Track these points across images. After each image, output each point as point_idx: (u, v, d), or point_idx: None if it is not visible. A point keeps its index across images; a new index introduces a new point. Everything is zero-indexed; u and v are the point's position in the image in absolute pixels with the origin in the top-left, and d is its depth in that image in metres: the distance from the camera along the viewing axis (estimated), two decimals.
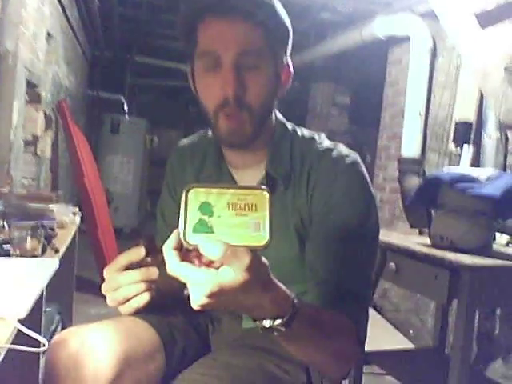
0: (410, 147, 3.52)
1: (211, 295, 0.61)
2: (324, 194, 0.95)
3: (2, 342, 0.80)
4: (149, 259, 0.85)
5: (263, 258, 0.65)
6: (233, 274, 0.61)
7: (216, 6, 0.89)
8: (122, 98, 7.16)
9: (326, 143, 1.02)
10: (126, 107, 7.17)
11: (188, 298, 1.16)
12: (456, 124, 3.03)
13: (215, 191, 0.63)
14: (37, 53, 2.92)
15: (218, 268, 0.63)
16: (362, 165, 0.98)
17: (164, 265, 0.83)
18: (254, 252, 0.62)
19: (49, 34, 3.34)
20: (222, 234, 0.61)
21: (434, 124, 3.44)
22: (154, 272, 0.85)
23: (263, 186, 0.65)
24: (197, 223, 0.62)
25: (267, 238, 0.62)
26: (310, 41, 4.97)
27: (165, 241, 1.07)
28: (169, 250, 0.64)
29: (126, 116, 6.86)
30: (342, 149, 1.00)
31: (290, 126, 1.06)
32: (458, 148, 3.01)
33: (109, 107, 6.99)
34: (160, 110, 7.91)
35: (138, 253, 0.84)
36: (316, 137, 1.04)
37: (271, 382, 0.94)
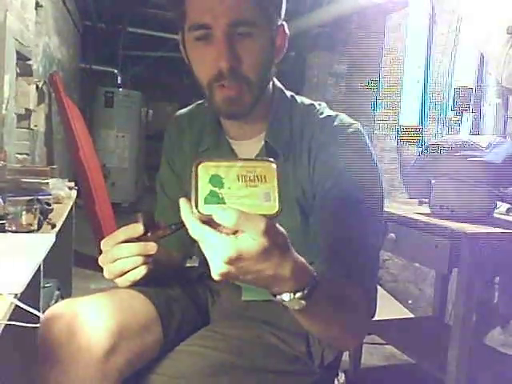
0: (409, 116, 3.48)
1: (230, 261, 0.59)
2: (326, 165, 0.92)
3: None
4: (148, 234, 0.84)
5: (280, 227, 0.64)
6: (250, 239, 0.59)
7: None
8: (115, 70, 7.04)
9: (327, 112, 0.99)
10: (119, 80, 7.06)
11: (188, 270, 1.16)
12: (455, 91, 2.99)
13: (224, 164, 0.64)
14: (26, 23, 2.85)
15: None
16: (365, 134, 0.96)
17: (162, 239, 0.81)
18: (269, 219, 0.61)
19: (38, 4, 3.26)
20: (234, 204, 0.61)
21: (433, 92, 3.39)
22: (152, 247, 0.83)
23: (271, 159, 0.65)
24: (208, 194, 0.62)
25: (277, 207, 0.63)
26: (305, 7, 4.87)
27: (165, 212, 1.07)
28: (188, 214, 0.62)
29: (120, 89, 6.76)
30: (344, 117, 0.97)
31: (288, 93, 1.03)
32: (458, 116, 2.98)
33: (102, 80, 6.89)
34: (154, 82, 7.80)
35: (136, 229, 0.83)
36: (316, 105, 1.01)
37: (270, 352, 0.94)
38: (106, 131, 6.43)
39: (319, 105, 1.01)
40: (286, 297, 0.68)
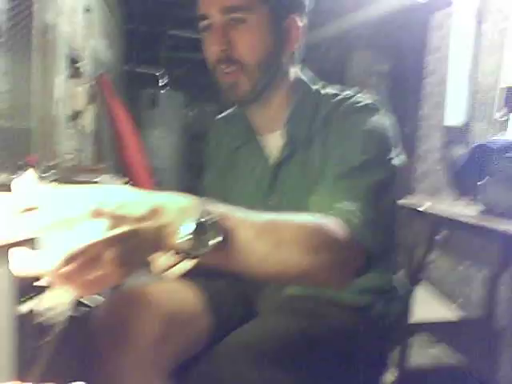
0: (454, 116, 3.41)
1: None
2: (341, 145, 0.93)
3: (63, 306, 0.83)
4: None
5: None
6: None
7: None
8: (157, 72, 7.17)
9: (346, 93, 1.00)
10: (162, 81, 7.18)
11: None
12: (502, 91, 2.91)
13: None
14: (75, 27, 2.94)
15: None
16: (382, 111, 0.96)
17: None
18: None
19: (86, 9, 3.35)
20: None
21: (479, 91, 3.31)
22: None
23: None
24: None
25: None
26: (345, 8, 4.84)
27: None
28: None
29: (163, 90, 6.87)
30: (359, 97, 0.98)
31: (314, 86, 1.04)
32: (505, 116, 2.90)
33: (145, 82, 7.02)
34: (195, 83, 7.88)
35: None
36: (340, 93, 1.02)
37: (316, 345, 0.95)
38: (149, 132, 6.55)
39: (344, 91, 1.02)
40: (178, 236, 0.60)
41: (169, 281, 0.98)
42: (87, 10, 3.43)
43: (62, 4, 2.53)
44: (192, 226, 0.61)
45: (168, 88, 7.12)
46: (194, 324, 0.94)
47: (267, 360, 0.87)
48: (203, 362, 0.91)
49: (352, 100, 0.97)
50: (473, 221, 1.75)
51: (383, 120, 0.96)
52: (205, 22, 0.95)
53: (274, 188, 1.01)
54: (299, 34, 0.98)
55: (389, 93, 5.56)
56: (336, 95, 1.00)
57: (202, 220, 0.61)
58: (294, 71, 1.03)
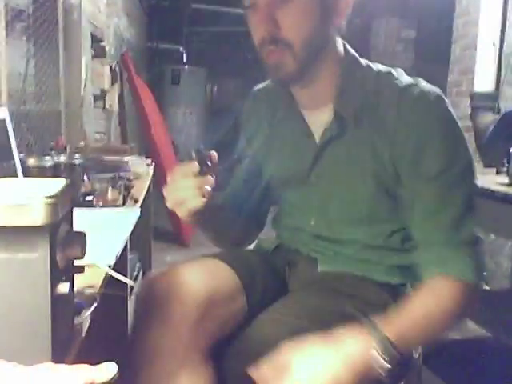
0: (484, 81, 3.33)
1: None
2: (410, 137, 0.90)
3: (95, 288, 0.85)
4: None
5: None
6: None
7: None
8: (180, 48, 7.14)
9: (406, 79, 0.95)
10: (185, 57, 7.16)
11: (264, 241, 1.19)
12: None
13: None
14: (98, 5, 2.95)
15: None
16: (447, 101, 0.92)
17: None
18: None
19: None
20: None
21: (510, 55, 3.21)
22: (208, 180, 0.87)
23: None
24: None
25: None
26: None
27: (243, 188, 1.11)
28: None
29: (186, 66, 6.87)
30: (424, 84, 0.93)
31: (363, 61, 1.00)
32: None
33: (168, 58, 7.01)
34: (218, 57, 7.84)
35: (192, 167, 0.87)
36: (393, 72, 0.97)
37: (348, 321, 0.95)
38: (173, 108, 6.58)
39: (396, 72, 0.97)
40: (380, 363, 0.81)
41: (206, 260, 1.00)
42: None
43: None
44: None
45: (191, 63, 7.11)
46: (231, 303, 0.95)
47: (302, 337, 0.90)
48: (238, 341, 0.92)
49: (420, 88, 0.92)
50: (502, 190, 1.72)
51: (453, 113, 0.93)
52: (247, 2, 0.90)
53: (318, 165, 0.99)
54: (347, 5, 0.94)
55: (416, 59, 5.44)
56: (390, 74, 0.96)
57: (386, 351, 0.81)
58: (342, 44, 0.98)
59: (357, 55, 1.00)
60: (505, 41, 3.28)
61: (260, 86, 1.15)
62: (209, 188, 0.87)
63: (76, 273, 0.69)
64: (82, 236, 0.66)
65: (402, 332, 0.84)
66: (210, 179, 0.88)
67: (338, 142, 0.96)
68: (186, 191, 0.87)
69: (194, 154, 0.89)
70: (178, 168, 0.89)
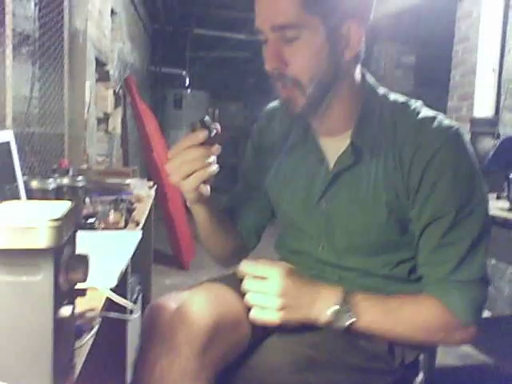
0: (483, 107, 3.36)
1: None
2: (425, 171, 0.89)
3: (96, 311, 0.85)
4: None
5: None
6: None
7: None
8: (183, 72, 7.23)
9: (425, 112, 0.95)
10: (187, 81, 7.25)
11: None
12: None
13: None
14: (103, 30, 3.00)
15: None
16: (464, 136, 0.92)
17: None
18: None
19: (113, 11, 3.41)
20: None
21: (509, 81, 3.25)
22: (215, 149, 0.88)
23: None
24: None
25: None
26: None
27: (243, 200, 1.12)
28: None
29: (188, 90, 6.95)
30: (443, 119, 0.93)
31: (381, 90, 1.00)
32: None
33: (171, 82, 7.10)
34: (220, 82, 7.94)
35: (200, 135, 0.87)
36: (411, 103, 0.97)
37: (351, 349, 0.95)
38: (175, 131, 6.63)
39: (415, 103, 0.97)
40: (325, 318, 0.87)
41: (211, 286, 1.00)
42: (114, 13, 3.50)
43: (92, 8, 2.59)
44: (335, 309, 0.87)
45: (193, 87, 7.19)
46: (237, 330, 0.95)
47: (306, 365, 0.90)
48: (245, 368, 0.92)
49: (438, 122, 0.91)
50: (503, 215, 1.72)
51: (470, 148, 0.93)
52: (261, 36, 0.92)
53: (330, 191, 0.99)
54: (360, 39, 0.93)
55: (416, 84, 5.50)
56: (408, 105, 0.96)
57: (342, 307, 0.87)
58: (359, 74, 0.98)
59: (374, 83, 1.01)
60: (504, 67, 3.32)
61: (273, 104, 1.15)
62: (216, 153, 0.88)
63: (78, 296, 0.69)
64: (84, 259, 0.66)
65: (369, 312, 0.88)
66: (218, 147, 0.88)
67: (352, 170, 0.96)
68: (194, 162, 0.87)
69: (198, 124, 0.88)
70: (182, 140, 0.88)
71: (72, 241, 0.67)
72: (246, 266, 0.91)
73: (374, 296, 0.91)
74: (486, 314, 3.04)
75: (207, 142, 0.87)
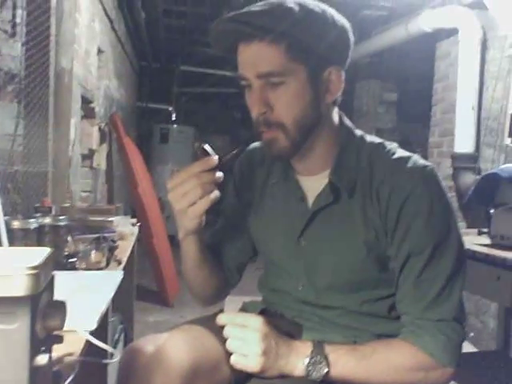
0: (464, 143, 3.42)
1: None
2: (402, 209, 0.92)
3: (75, 355, 0.84)
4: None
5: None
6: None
7: (235, 30, 0.90)
8: (169, 107, 7.31)
9: (400, 152, 0.98)
10: (173, 116, 7.32)
11: (248, 306, 1.18)
12: (511, 117, 2.92)
13: None
14: (90, 69, 3.04)
15: None
16: (438, 176, 0.95)
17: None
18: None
19: (99, 50, 3.46)
20: None
21: (488, 118, 3.33)
22: (219, 175, 0.90)
23: None
24: None
25: None
26: (354, 38, 4.91)
27: (220, 234, 1.12)
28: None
29: (175, 125, 7.01)
30: (418, 159, 0.96)
31: (358, 132, 1.03)
32: None
33: (157, 117, 7.17)
34: (206, 117, 8.03)
35: (211, 162, 0.89)
36: (387, 144, 1.00)
37: None
38: (161, 166, 6.64)
39: (390, 144, 1.01)
40: (301, 370, 0.88)
41: (190, 328, 1.00)
42: (101, 52, 3.55)
43: (78, 48, 2.63)
44: (308, 361, 0.89)
45: (180, 122, 7.26)
46: (216, 373, 0.94)
47: None
48: None
49: (413, 162, 0.94)
50: (484, 251, 1.74)
51: (444, 187, 0.96)
52: (244, 82, 0.95)
53: (309, 230, 1.00)
54: (340, 83, 0.97)
55: (398, 120, 5.61)
56: (384, 147, 0.99)
57: (314, 359, 0.89)
58: (337, 116, 1.02)
59: (351, 125, 1.04)
60: (482, 105, 3.41)
61: (255, 144, 1.17)
62: (220, 179, 0.90)
63: (55, 343, 0.68)
64: (62, 305, 0.66)
65: (341, 360, 0.89)
66: (219, 174, 0.90)
67: (331, 209, 0.98)
68: (201, 187, 0.88)
69: (199, 152, 0.90)
70: (190, 167, 0.89)
71: (50, 287, 0.67)
72: (225, 316, 0.92)
73: (345, 345, 0.92)
74: (472, 348, 3.04)
75: (210, 169, 0.89)
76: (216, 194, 0.90)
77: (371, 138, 1.03)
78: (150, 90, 7.23)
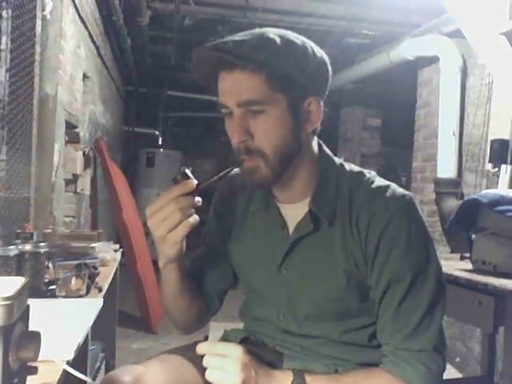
0: (446, 168, 3.48)
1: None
2: (381, 238, 0.93)
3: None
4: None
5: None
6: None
7: (217, 58, 0.90)
8: (155, 132, 7.34)
9: (378, 181, 0.99)
10: (160, 141, 7.34)
11: (230, 334, 1.17)
12: (492, 143, 2.97)
13: None
14: (75, 94, 3.04)
15: None
16: (417, 205, 0.96)
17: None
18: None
19: (85, 75, 3.48)
20: None
21: (470, 143, 3.39)
22: (198, 199, 0.90)
23: None
24: None
25: None
26: (337, 66, 5.01)
27: (205, 265, 1.11)
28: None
29: (161, 150, 7.02)
30: (396, 188, 0.97)
31: (337, 160, 1.04)
32: (496, 167, 2.96)
33: (143, 141, 7.18)
34: (193, 141, 8.06)
35: (189, 185, 0.89)
36: (366, 172, 1.01)
37: None
38: (147, 190, 6.63)
39: (369, 173, 1.02)
40: None
41: (168, 358, 0.98)
42: (86, 77, 3.57)
43: (63, 73, 2.64)
44: None
45: (166, 146, 7.28)
46: None
47: None
48: None
49: (392, 191, 0.95)
50: (466, 276, 1.75)
51: (422, 216, 0.98)
52: (224, 110, 0.95)
53: (289, 258, 1.00)
54: (319, 113, 0.98)
55: (382, 145, 5.68)
56: (363, 175, 1.00)
57: None
58: (316, 145, 1.03)
59: (331, 154, 1.05)
60: (464, 131, 3.47)
61: (236, 170, 1.18)
62: (198, 204, 0.89)
63: (29, 374, 0.67)
64: (37, 336, 0.65)
65: None
66: (198, 198, 0.90)
67: (311, 238, 0.98)
68: (180, 212, 0.87)
69: (179, 176, 0.90)
70: (168, 192, 0.89)
71: (24, 317, 0.66)
72: (205, 346, 0.90)
73: (326, 375, 0.91)
74: (457, 374, 3.03)
75: (189, 194, 0.89)
76: (195, 218, 0.90)
77: (350, 167, 1.03)
78: (136, 114, 7.26)
